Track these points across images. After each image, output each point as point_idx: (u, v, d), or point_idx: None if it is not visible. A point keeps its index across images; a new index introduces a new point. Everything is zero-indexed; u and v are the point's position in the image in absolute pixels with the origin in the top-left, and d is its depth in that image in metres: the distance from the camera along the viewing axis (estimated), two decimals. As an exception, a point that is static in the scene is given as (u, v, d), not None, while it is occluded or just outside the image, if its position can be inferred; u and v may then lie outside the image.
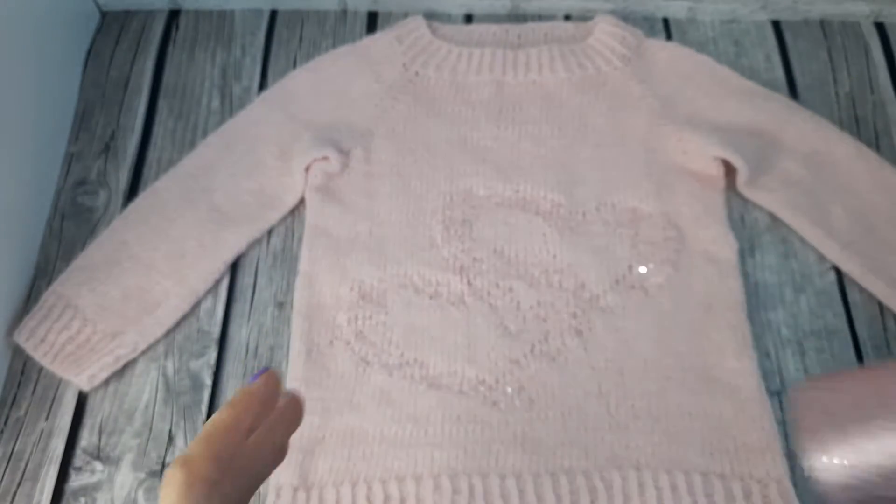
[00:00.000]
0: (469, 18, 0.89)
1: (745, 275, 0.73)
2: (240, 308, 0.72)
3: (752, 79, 0.81)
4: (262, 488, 0.64)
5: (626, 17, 0.87)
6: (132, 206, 0.74)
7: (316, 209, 0.74)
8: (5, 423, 0.67)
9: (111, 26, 0.87)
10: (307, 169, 0.75)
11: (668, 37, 0.86)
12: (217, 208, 0.74)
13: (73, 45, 0.83)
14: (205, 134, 0.79)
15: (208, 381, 0.68)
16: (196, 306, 0.71)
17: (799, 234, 0.74)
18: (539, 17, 0.88)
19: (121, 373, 0.69)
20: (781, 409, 0.67)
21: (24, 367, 0.69)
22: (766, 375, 0.68)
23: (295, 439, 0.63)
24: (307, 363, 0.67)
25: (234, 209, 0.74)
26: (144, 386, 0.68)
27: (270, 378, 0.44)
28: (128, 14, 0.87)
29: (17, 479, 0.64)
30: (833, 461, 0.38)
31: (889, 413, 0.38)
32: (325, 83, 0.80)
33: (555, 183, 0.75)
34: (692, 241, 0.73)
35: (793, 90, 0.83)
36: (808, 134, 0.77)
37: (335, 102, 0.79)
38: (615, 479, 0.62)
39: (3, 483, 0.64)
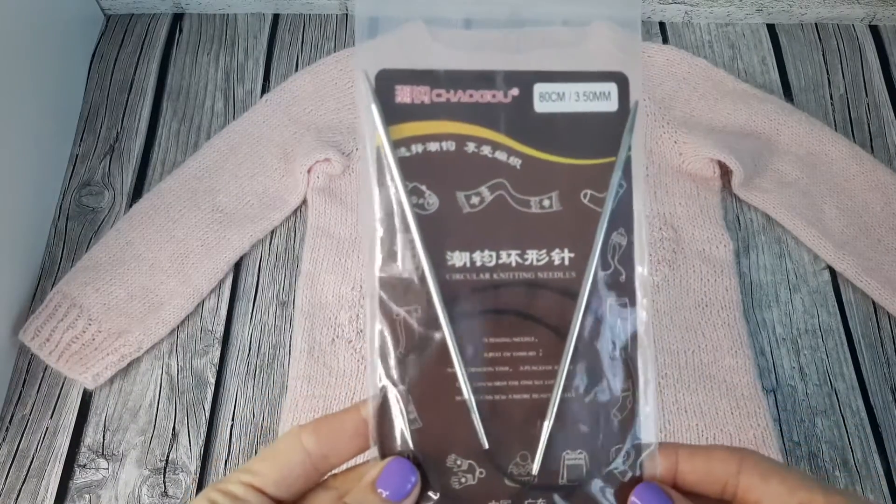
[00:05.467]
0: (468, 24, 0.89)
1: (741, 274, 0.73)
2: (243, 307, 0.73)
3: (747, 82, 0.82)
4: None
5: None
6: (137, 206, 0.74)
7: (318, 210, 0.75)
8: (10, 420, 0.67)
9: (115, 29, 0.87)
10: (309, 170, 0.76)
11: (665, 40, 0.87)
12: (220, 209, 0.74)
13: (78, 48, 0.84)
14: (208, 136, 0.80)
15: (212, 380, 0.69)
16: (200, 305, 0.72)
17: (793, 235, 0.75)
18: (537, 23, 0.89)
19: (125, 371, 0.69)
20: (777, 406, 0.68)
21: (29, 366, 0.69)
22: (761, 373, 0.69)
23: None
24: (309, 361, 0.68)
25: (237, 210, 0.75)
26: (149, 384, 0.69)
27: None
28: (132, 17, 0.88)
29: (23, 477, 0.65)
30: None
31: None
32: (326, 86, 0.80)
33: (553, 184, 0.76)
34: (688, 241, 0.73)
35: (788, 93, 0.84)
36: (802, 135, 0.78)
37: (337, 105, 0.80)
38: (613, 475, 0.63)
39: (9, 480, 0.65)
